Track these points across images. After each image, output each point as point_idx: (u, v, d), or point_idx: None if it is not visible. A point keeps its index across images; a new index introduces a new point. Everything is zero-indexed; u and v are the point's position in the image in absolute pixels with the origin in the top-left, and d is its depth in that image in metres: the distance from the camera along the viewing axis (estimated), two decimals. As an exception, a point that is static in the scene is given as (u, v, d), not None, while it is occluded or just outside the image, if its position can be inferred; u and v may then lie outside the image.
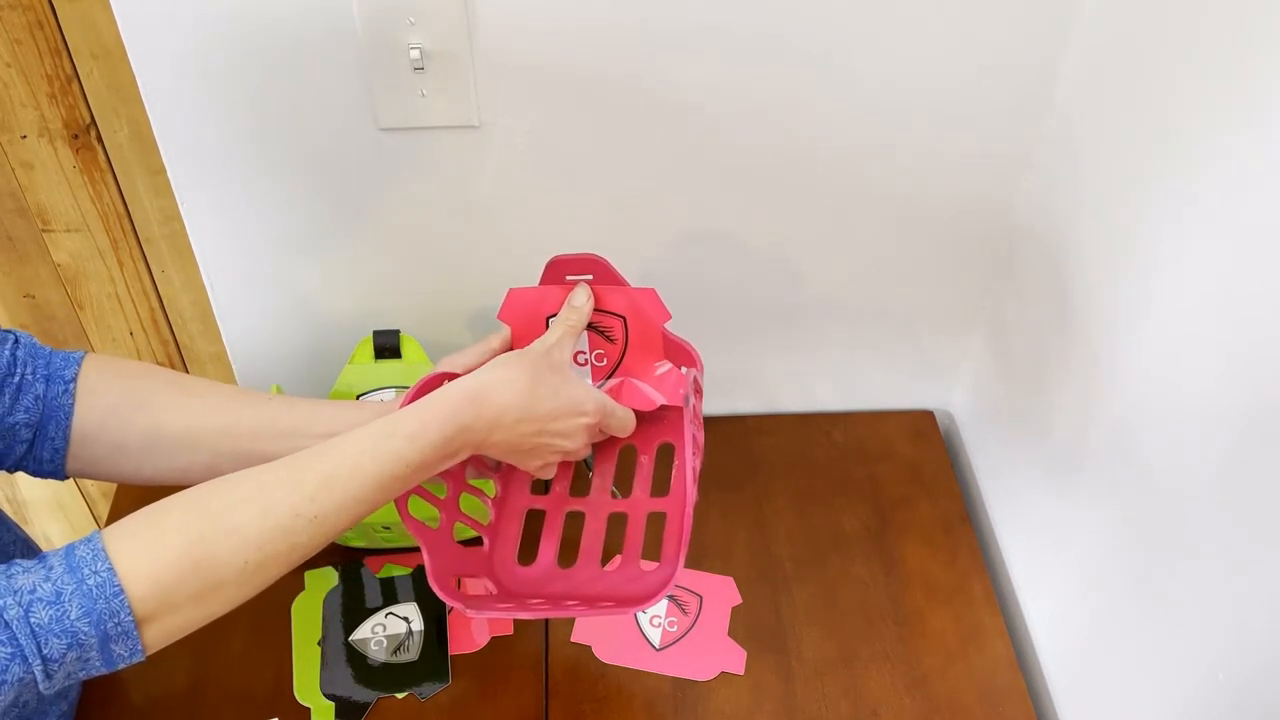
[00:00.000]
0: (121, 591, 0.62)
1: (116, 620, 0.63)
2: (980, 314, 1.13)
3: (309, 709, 0.95)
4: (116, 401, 0.79)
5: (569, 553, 0.88)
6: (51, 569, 0.63)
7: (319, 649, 0.99)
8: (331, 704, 0.96)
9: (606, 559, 0.88)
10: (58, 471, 0.80)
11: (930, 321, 1.14)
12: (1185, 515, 0.77)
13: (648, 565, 0.87)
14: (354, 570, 1.05)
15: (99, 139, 1.07)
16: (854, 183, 1.00)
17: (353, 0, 0.85)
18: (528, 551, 0.89)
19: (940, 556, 1.08)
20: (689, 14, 0.87)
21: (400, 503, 0.78)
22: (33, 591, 0.61)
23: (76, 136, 1.06)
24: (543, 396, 0.78)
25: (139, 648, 0.65)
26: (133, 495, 1.13)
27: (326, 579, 1.04)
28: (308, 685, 0.97)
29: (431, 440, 0.74)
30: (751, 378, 1.19)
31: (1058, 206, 0.95)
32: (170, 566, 0.64)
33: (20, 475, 0.89)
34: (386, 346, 1.03)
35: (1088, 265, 0.90)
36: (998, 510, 1.13)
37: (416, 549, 1.05)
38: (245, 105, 0.92)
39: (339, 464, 0.71)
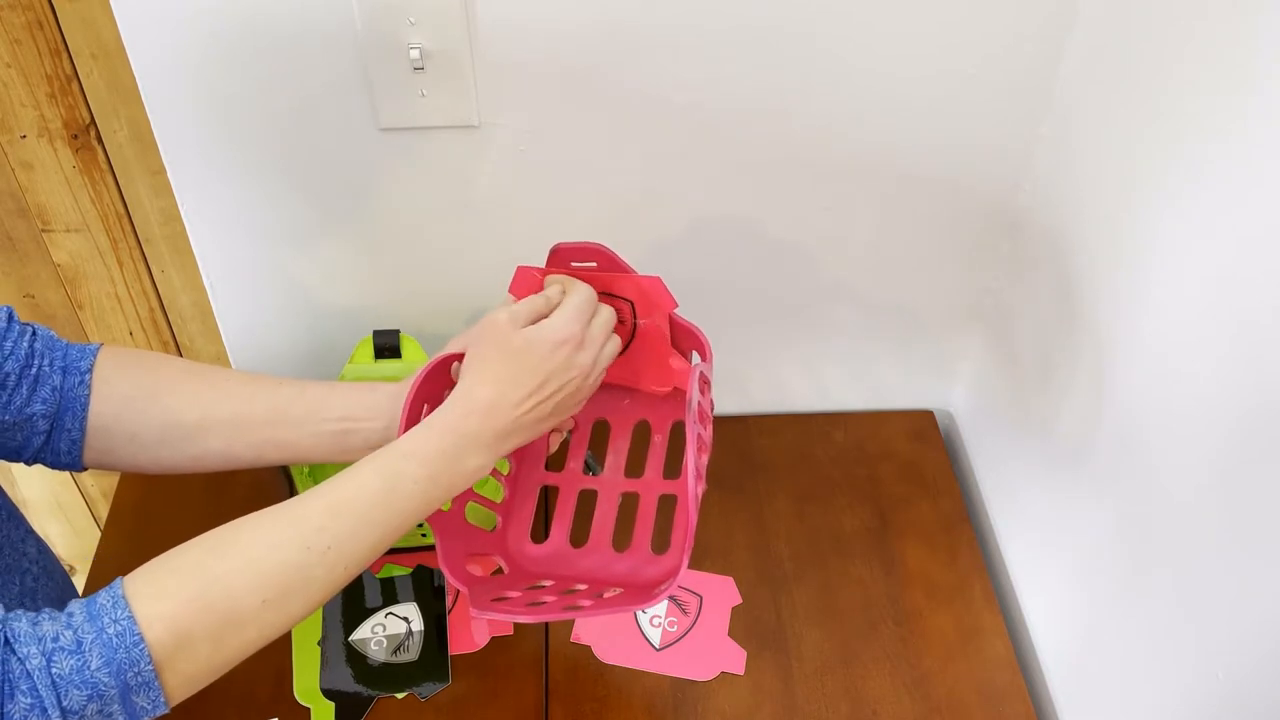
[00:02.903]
0: (141, 640, 0.62)
1: (137, 670, 0.62)
2: (980, 314, 1.13)
3: (309, 709, 0.95)
4: (131, 392, 0.80)
5: (581, 533, 0.88)
6: (72, 616, 0.62)
7: (319, 649, 0.99)
8: (331, 704, 0.96)
9: (618, 540, 0.88)
10: (75, 462, 0.80)
11: (930, 321, 1.14)
12: (1186, 515, 0.77)
13: (656, 555, 0.87)
14: (354, 570, 1.05)
15: (99, 139, 1.07)
16: (854, 183, 1.00)
17: (353, 0, 0.86)
18: (539, 529, 0.89)
19: (940, 556, 1.08)
20: (689, 12, 0.88)
21: None
22: (55, 640, 0.61)
23: (76, 136, 1.06)
24: (517, 373, 0.76)
25: (161, 699, 0.64)
26: (132, 496, 1.13)
27: (326, 579, 1.04)
28: (308, 685, 0.97)
29: (435, 453, 0.73)
30: (752, 378, 1.19)
31: (1058, 207, 0.95)
32: (186, 608, 0.64)
33: (20, 475, 0.89)
34: (386, 346, 1.03)
35: (1088, 265, 0.90)
36: (997, 510, 1.13)
37: (416, 549, 1.06)
38: (245, 105, 0.92)
39: (344, 491, 0.71)
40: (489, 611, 0.77)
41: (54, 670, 0.60)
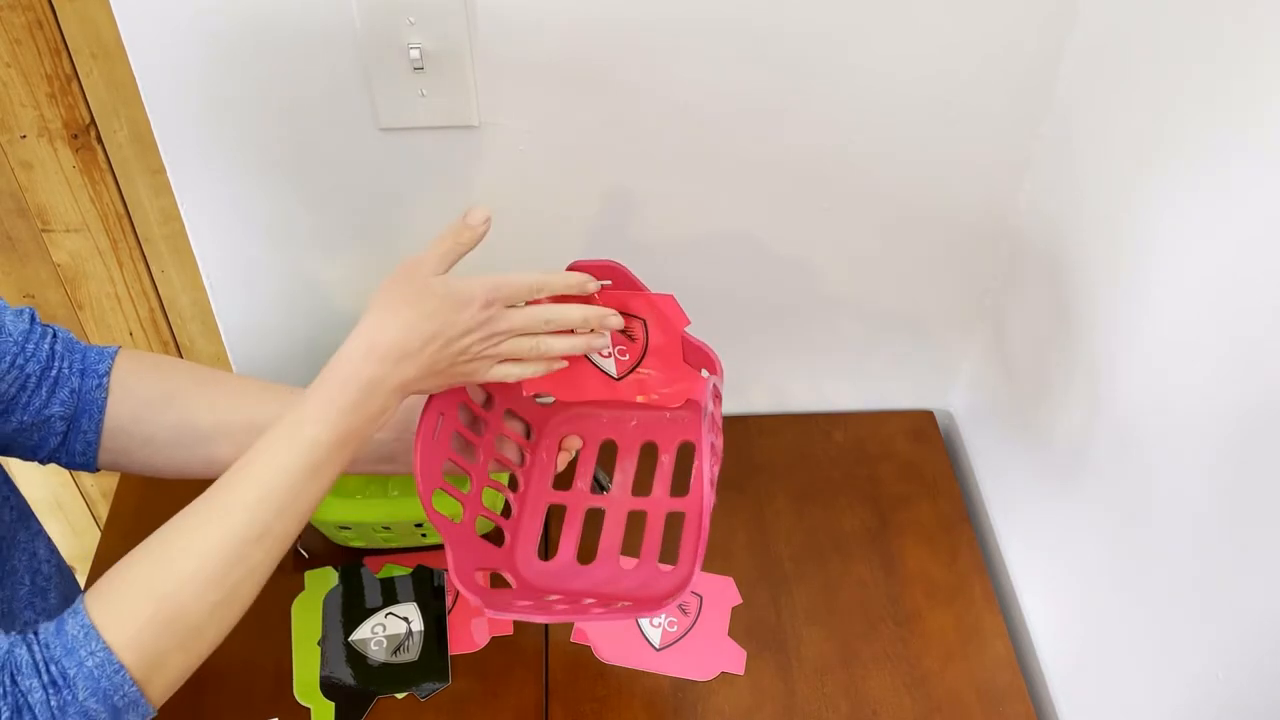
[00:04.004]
0: (121, 668, 0.64)
1: (122, 693, 0.64)
2: (980, 314, 1.13)
3: (309, 709, 0.95)
4: (147, 395, 0.80)
5: (589, 549, 0.89)
6: (50, 648, 0.64)
7: (319, 649, 0.99)
8: (331, 704, 0.96)
9: (624, 556, 0.88)
10: (89, 463, 0.81)
11: (930, 322, 1.14)
12: (1184, 515, 0.77)
13: (665, 567, 0.87)
14: (354, 570, 1.05)
15: (99, 139, 1.07)
16: (854, 183, 1.00)
17: (352, 0, 0.86)
18: (548, 547, 0.89)
19: (940, 556, 1.08)
20: (689, 14, 0.87)
21: (425, 498, 0.78)
22: (49, 671, 0.63)
23: (76, 136, 1.06)
24: (429, 312, 0.73)
25: (149, 709, 0.66)
26: (132, 496, 1.13)
27: (326, 579, 1.04)
28: (308, 685, 0.97)
29: (340, 410, 0.71)
30: (751, 378, 1.19)
31: (1057, 207, 0.95)
32: (148, 629, 0.65)
33: (20, 475, 0.89)
34: (386, 346, 1.03)
35: (1087, 265, 0.90)
36: (997, 510, 1.13)
37: (416, 549, 1.06)
38: (245, 105, 0.92)
39: (262, 476, 0.70)
40: (507, 611, 0.77)
41: (53, 703, 0.62)
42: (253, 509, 0.69)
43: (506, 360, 0.79)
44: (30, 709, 0.62)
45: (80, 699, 0.63)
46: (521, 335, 0.78)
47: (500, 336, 0.77)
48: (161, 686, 0.67)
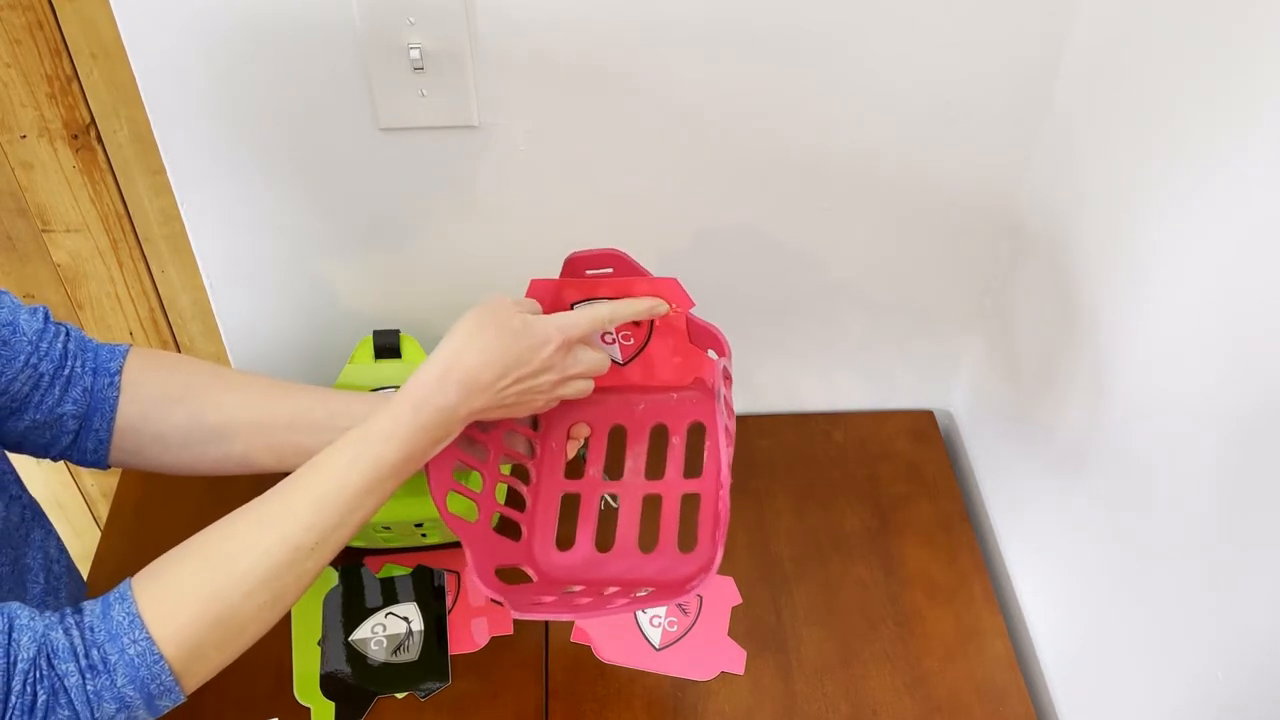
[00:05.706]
0: (161, 658, 0.65)
1: (159, 681, 0.66)
2: (980, 314, 1.13)
3: (309, 709, 0.95)
4: (157, 394, 0.81)
5: (606, 537, 0.88)
6: (94, 632, 0.65)
7: (319, 649, 0.99)
8: (331, 704, 0.96)
9: (644, 542, 0.88)
10: (100, 461, 0.82)
11: (930, 322, 1.14)
12: (1184, 514, 0.77)
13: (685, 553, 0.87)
14: (354, 570, 1.05)
15: (99, 139, 1.07)
16: (854, 183, 1.00)
17: (353, 0, 0.86)
18: (565, 537, 0.89)
19: (940, 556, 1.08)
20: (690, 14, 0.88)
21: (439, 499, 0.79)
22: (86, 657, 0.64)
23: (76, 136, 1.06)
24: (506, 347, 0.77)
25: (181, 697, 0.68)
26: (132, 496, 1.13)
27: (326, 579, 1.04)
28: (308, 685, 0.97)
29: (411, 432, 0.74)
30: (751, 378, 1.19)
31: (1058, 206, 0.95)
32: (193, 625, 0.67)
33: (21, 474, 0.90)
34: (386, 346, 1.03)
35: (1088, 265, 0.90)
36: (997, 510, 1.13)
37: (416, 549, 1.06)
38: (245, 105, 0.92)
39: (324, 486, 0.72)
40: (530, 612, 0.77)
41: (88, 687, 0.64)
42: (311, 518, 0.71)
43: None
44: (66, 692, 0.63)
45: (118, 685, 0.64)
46: (583, 378, 0.83)
47: (569, 379, 0.82)
48: (197, 678, 0.68)
